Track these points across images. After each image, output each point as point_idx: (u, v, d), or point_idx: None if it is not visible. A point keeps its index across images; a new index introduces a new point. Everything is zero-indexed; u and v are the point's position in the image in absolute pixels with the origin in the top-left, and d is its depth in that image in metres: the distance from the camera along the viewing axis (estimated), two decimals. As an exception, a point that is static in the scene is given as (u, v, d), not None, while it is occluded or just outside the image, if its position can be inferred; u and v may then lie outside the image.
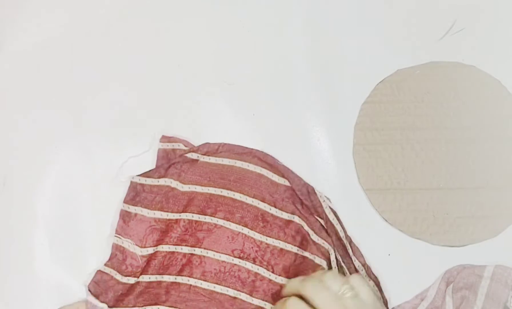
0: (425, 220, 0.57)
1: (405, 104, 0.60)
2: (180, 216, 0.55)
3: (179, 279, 0.54)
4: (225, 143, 0.59)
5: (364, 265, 0.55)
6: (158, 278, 0.54)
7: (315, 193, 0.57)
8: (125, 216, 0.56)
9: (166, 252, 0.55)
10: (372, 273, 0.55)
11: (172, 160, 0.58)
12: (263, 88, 0.62)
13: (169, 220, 0.55)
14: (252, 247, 0.54)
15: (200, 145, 0.59)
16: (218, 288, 0.53)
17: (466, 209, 0.57)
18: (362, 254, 0.56)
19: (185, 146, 0.59)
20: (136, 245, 0.55)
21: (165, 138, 0.59)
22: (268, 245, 0.54)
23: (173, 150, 0.59)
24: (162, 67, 0.62)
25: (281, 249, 0.54)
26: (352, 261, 0.55)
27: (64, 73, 0.62)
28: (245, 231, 0.54)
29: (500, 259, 0.55)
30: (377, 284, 0.55)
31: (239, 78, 0.62)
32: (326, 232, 0.55)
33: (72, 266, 0.56)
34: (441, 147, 0.59)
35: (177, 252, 0.54)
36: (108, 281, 0.54)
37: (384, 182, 0.58)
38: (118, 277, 0.54)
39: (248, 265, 0.54)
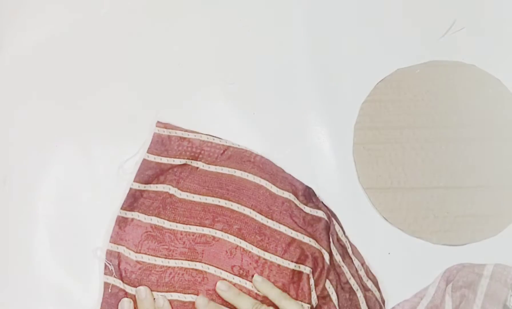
0: (425, 218, 0.57)
1: (405, 103, 0.60)
2: (177, 226, 0.55)
3: (189, 298, 0.53)
4: (228, 147, 0.58)
5: (363, 264, 0.55)
6: (167, 296, 0.53)
7: (315, 194, 0.57)
8: (121, 222, 0.55)
9: (166, 266, 0.54)
10: (371, 272, 0.55)
11: (166, 145, 0.57)
12: (264, 87, 0.62)
13: (165, 229, 0.55)
14: (250, 263, 0.53)
15: (203, 144, 0.58)
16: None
17: (466, 208, 0.57)
18: (360, 253, 0.56)
19: (184, 131, 0.58)
20: (130, 250, 0.55)
21: (160, 124, 0.59)
22: (265, 260, 0.53)
23: (169, 137, 0.58)
24: (162, 67, 0.62)
25: (279, 266, 0.53)
26: (352, 260, 0.55)
27: (64, 73, 0.62)
28: (243, 244, 0.53)
29: (500, 257, 0.55)
30: (375, 283, 0.55)
31: (240, 78, 0.62)
32: (328, 239, 0.54)
33: (72, 265, 0.56)
34: (441, 146, 0.59)
35: (178, 267, 0.54)
36: (118, 293, 0.54)
37: (384, 180, 0.58)
38: (123, 286, 0.54)
39: (249, 285, 0.53)
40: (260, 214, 0.54)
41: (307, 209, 0.56)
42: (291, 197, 0.56)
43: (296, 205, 0.55)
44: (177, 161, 0.57)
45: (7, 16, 0.64)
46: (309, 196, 0.56)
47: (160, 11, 0.64)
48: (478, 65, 0.61)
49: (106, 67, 0.62)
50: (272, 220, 0.54)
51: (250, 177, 0.56)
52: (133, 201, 0.56)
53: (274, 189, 0.56)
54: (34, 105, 0.61)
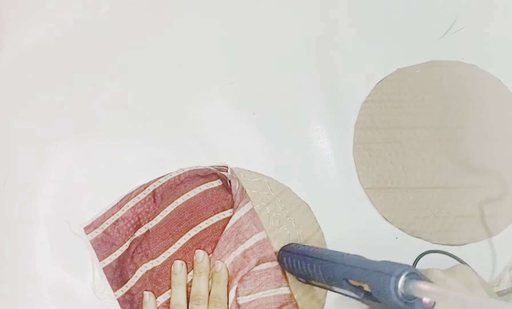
0: (425, 219, 0.57)
1: (405, 103, 0.60)
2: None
3: None
4: (153, 191, 0.57)
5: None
6: None
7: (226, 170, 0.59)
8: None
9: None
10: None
11: (109, 240, 0.56)
12: (263, 87, 0.62)
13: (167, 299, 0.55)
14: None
15: (134, 209, 0.57)
16: None
17: (466, 208, 0.57)
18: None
19: (111, 215, 0.56)
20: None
21: (88, 227, 0.56)
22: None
23: (104, 232, 0.56)
24: (162, 67, 0.62)
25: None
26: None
27: (64, 73, 0.62)
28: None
29: (500, 258, 0.55)
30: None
31: (239, 77, 0.62)
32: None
33: (73, 265, 0.56)
34: (441, 146, 0.59)
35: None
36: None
37: (384, 180, 0.58)
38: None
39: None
40: (223, 210, 0.56)
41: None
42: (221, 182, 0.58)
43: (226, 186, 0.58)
44: (128, 243, 0.56)
45: (7, 16, 0.64)
46: (225, 177, 0.58)
47: (159, 11, 0.64)
48: (478, 65, 0.61)
49: (106, 67, 0.62)
50: (230, 208, 0.56)
51: (191, 194, 0.57)
52: (129, 301, 0.55)
53: (213, 184, 0.57)
54: (34, 105, 0.61)
